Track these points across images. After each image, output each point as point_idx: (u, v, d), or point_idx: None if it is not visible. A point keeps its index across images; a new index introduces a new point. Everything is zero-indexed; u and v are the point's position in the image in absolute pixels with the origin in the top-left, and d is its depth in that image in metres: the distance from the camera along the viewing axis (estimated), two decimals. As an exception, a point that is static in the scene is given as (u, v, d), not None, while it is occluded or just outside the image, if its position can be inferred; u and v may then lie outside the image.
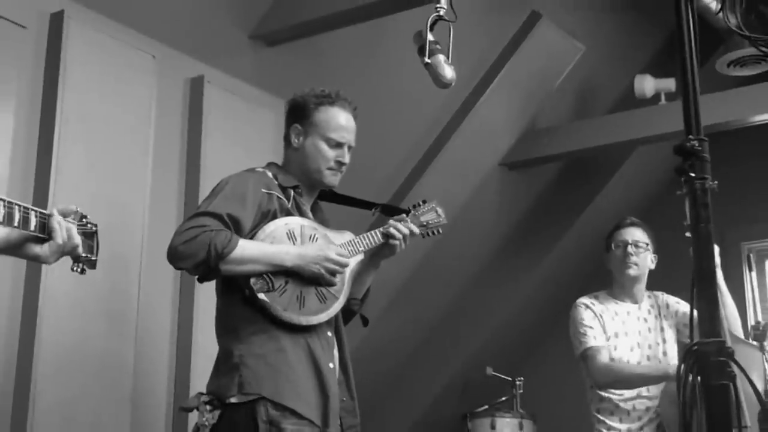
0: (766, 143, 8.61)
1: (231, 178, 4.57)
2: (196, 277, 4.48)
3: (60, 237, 3.22)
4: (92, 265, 3.52)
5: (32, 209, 3.14)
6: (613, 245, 6.08)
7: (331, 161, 4.67)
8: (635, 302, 6.04)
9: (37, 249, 3.24)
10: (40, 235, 3.21)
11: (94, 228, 3.53)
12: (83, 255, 3.45)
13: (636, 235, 6.05)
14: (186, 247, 4.22)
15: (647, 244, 6.04)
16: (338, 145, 4.68)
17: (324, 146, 4.66)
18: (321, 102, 4.70)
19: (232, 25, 6.80)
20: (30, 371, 5.25)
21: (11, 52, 5.45)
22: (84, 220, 3.47)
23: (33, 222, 3.15)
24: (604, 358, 5.78)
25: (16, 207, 3.08)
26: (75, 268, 3.47)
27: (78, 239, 3.33)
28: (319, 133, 4.67)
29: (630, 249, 5.99)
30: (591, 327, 5.87)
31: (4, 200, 3.02)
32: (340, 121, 4.70)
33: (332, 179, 4.72)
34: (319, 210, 4.87)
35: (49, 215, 3.21)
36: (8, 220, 3.03)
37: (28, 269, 5.37)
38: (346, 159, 4.72)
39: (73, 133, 5.59)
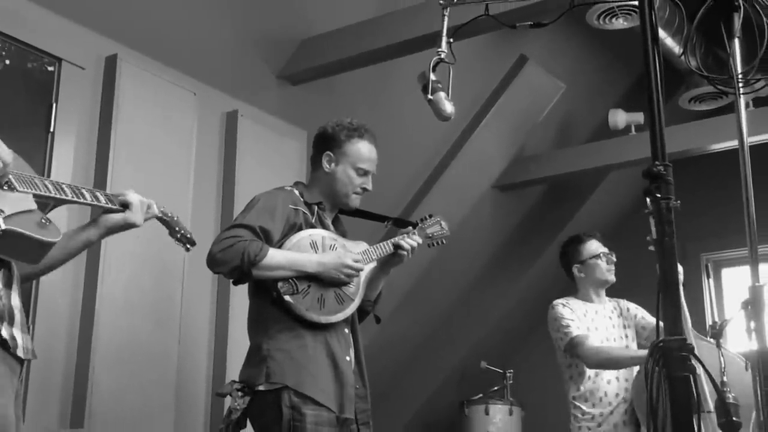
0: (722, 168, 8.58)
1: (263, 195, 4.60)
2: (231, 280, 4.49)
3: (135, 198, 3.44)
4: (192, 241, 3.85)
5: (104, 193, 3.37)
6: (590, 258, 6.03)
7: (357, 187, 4.70)
8: (601, 303, 6.04)
9: (122, 215, 3.42)
10: (118, 207, 3.39)
11: (176, 217, 3.79)
12: (182, 232, 3.78)
13: (601, 245, 6.06)
14: (223, 254, 4.25)
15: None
16: (365, 173, 4.71)
17: (353, 174, 4.68)
18: (352, 135, 4.71)
19: (262, 67, 6.81)
20: (88, 364, 5.28)
21: (72, 89, 5.47)
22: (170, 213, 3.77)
23: (102, 201, 3.34)
24: (592, 342, 5.76)
25: (91, 193, 3.28)
26: (178, 242, 3.81)
27: (153, 205, 3.58)
28: (349, 162, 4.69)
29: (606, 257, 5.99)
30: (572, 320, 5.85)
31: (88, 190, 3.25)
32: (368, 153, 4.72)
33: (355, 202, 4.75)
34: (340, 223, 4.87)
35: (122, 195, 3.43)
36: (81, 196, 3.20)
37: (86, 277, 5.39)
38: (370, 186, 4.74)
39: (125, 159, 5.61)
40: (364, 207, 4.91)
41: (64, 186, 3.07)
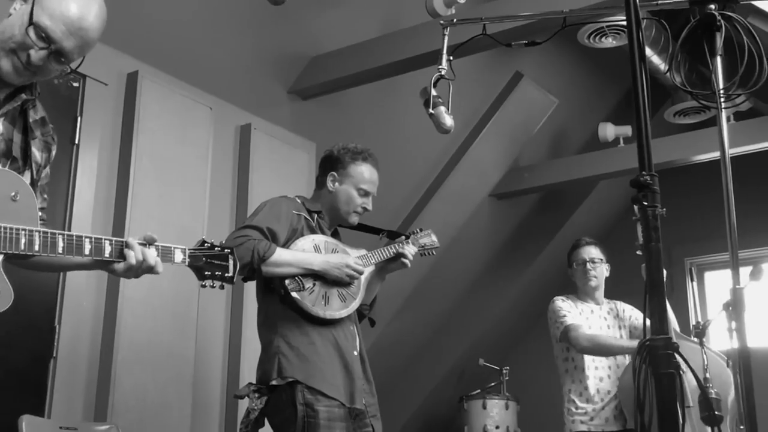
0: (705, 178, 8.59)
1: (269, 201, 4.66)
2: (242, 277, 4.51)
3: (133, 259, 3.05)
4: (229, 280, 3.40)
5: (106, 239, 3.02)
6: (574, 263, 6.12)
7: (358, 207, 4.75)
8: (597, 303, 6.07)
9: (115, 266, 3.08)
10: (117, 260, 3.06)
11: (227, 251, 3.42)
12: (214, 274, 3.34)
13: (592, 252, 6.08)
14: (235, 252, 4.26)
15: (601, 259, 6.08)
16: (366, 194, 4.75)
17: (355, 194, 4.73)
18: (355, 158, 4.77)
19: (273, 83, 6.82)
20: (111, 362, 5.28)
21: (96, 104, 5.48)
22: (217, 248, 3.39)
23: (107, 250, 3.02)
24: (585, 329, 5.79)
25: (86, 239, 2.96)
26: (211, 285, 3.35)
27: (153, 262, 3.13)
28: (352, 183, 4.74)
29: (588, 265, 6.03)
30: (569, 311, 5.89)
31: (90, 237, 2.96)
32: (370, 175, 4.78)
33: (355, 219, 4.81)
34: (338, 235, 4.90)
35: (124, 243, 3.07)
36: (77, 250, 2.92)
37: (109, 281, 5.39)
38: (370, 206, 4.80)
39: (145, 170, 5.61)
40: (367, 217, 4.94)
41: (59, 238, 2.86)
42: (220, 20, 6.26)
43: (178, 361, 5.68)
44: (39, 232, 2.81)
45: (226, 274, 3.38)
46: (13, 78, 2.91)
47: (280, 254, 4.36)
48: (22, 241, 2.76)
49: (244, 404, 4.43)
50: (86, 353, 5.30)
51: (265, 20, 6.48)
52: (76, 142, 5.32)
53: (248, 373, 4.63)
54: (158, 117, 5.78)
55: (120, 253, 3.05)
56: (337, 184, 4.76)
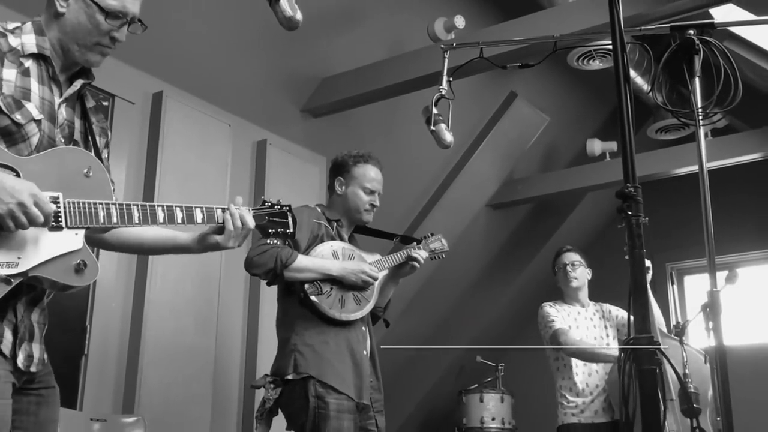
0: (684, 189, 8.57)
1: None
2: (266, 281, 4.52)
3: (231, 224, 3.01)
4: (291, 236, 3.35)
5: (177, 206, 2.91)
6: (556, 268, 6.14)
7: (366, 204, 4.75)
8: (583, 306, 6.06)
9: (218, 238, 3.05)
10: (220, 224, 3.01)
11: (286, 208, 3.35)
12: (277, 231, 3.26)
13: (571, 257, 6.10)
14: (259, 258, 4.31)
15: (581, 262, 6.09)
16: (371, 192, 4.76)
17: (361, 193, 4.74)
18: (358, 160, 4.79)
19: (287, 102, 6.83)
20: (138, 359, 5.30)
21: (124, 122, 5.50)
22: (276, 206, 3.32)
23: (179, 216, 2.90)
24: (572, 335, 5.79)
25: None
26: (275, 242, 3.45)
27: (251, 223, 3.09)
28: (357, 184, 4.75)
29: (569, 268, 6.04)
30: (556, 316, 5.89)
31: (162, 205, 2.88)
32: (373, 174, 4.78)
33: (367, 217, 4.80)
34: (354, 240, 4.89)
35: (224, 209, 3.04)
36: (152, 219, 2.83)
37: (136, 285, 5.41)
38: (377, 203, 4.80)
39: (169, 183, 5.63)
40: (376, 225, 4.94)
41: (134, 209, 2.78)
42: (238, 44, 6.28)
43: (199, 359, 5.69)
44: (115, 204, 2.74)
45: (287, 230, 3.31)
46: (100, 61, 2.90)
47: (300, 261, 4.38)
48: (101, 214, 2.69)
49: (260, 396, 4.44)
50: (115, 351, 5.31)
51: (279, 44, 6.49)
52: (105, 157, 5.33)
53: (264, 369, 4.64)
54: (181, 133, 5.80)
55: (179, 219, 2.93)
56: (344, 187, 4.78)
